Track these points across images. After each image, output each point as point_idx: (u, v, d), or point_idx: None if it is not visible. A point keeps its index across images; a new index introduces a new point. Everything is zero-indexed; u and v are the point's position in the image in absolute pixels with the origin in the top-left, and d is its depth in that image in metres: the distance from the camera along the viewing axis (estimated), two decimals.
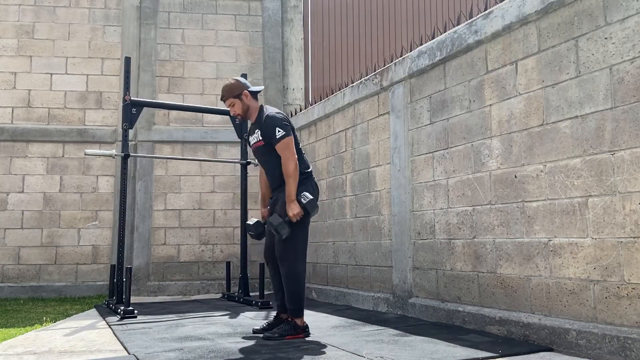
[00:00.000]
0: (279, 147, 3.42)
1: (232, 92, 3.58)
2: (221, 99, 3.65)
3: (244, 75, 5.94)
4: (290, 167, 3.38)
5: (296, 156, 3.43)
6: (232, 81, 3.62)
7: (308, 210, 3.38)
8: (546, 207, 3.09)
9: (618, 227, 2.69)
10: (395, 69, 4.56)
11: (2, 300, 6.07)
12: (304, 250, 3.50)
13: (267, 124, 3.47)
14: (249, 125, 3.86)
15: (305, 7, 7.83)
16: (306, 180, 3.53)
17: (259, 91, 3.68)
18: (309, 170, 3.60)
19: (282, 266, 3.40)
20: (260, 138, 3.54)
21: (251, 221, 3.74)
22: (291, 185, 3.37)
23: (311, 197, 3.42)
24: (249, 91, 3.60)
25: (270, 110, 3.57)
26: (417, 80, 4.33)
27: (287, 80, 7.46)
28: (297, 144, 3.56)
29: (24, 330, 3.98)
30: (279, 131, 3.41)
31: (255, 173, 6.89)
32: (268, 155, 3.53)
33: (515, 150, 3.34)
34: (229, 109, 3.65)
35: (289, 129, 3.46)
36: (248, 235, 3.80)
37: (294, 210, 3.34)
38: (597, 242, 2.79)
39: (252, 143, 3.69)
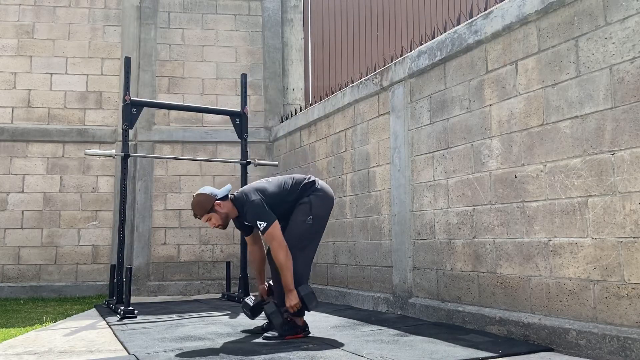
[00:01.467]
0: (265, 238, 3.34)
1: (205, 208, 3.44)
2: (195, 217, 3.53)
3: (244, 76, 5.95)
4: (280, 257, 3.27)
5: (285, 243, 3.29)
6: (199, 198, 3.45)
7: (306, 303, 3.31)
8: (546, 207, 3.09)
9: (618, 227, 2.69)
10: (395, 69, 4.56)
11: (2, 300, 6.07)
12: (311, 254, 3.48)
13: (248, 217, 3.38)
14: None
15: (305, 7, 7.83)
16: (310, 192, 3.48)
17: (227, 193, 3.53)
18: (310, 182, 3.54)
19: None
20: (249, 223, 3.48)
21: (250, 301, 3.65)
22: (287, 276, 3.28)
23: (310, 289, 3.34)
24: (219, 199, 3.47)
25: (243, 197, 3.42)
26: (417, 80, 4.33)
27: (287, 80, 7.46)
28: (293, 182, 3.51)
29: (24, 330, 3.98)
30: (260, 224, 3.29)
31: (255, 173, 6.90)
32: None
33: (515, 150, 3.34)
34: (207, 224, 3.51)
35: (269, 215, 3.31)
36: (245, 314, 3.74)
37: (292, 300, 3.29)
38: (597, 242, 2.79)
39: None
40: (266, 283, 3.74)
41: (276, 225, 3.31)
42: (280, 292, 3.42)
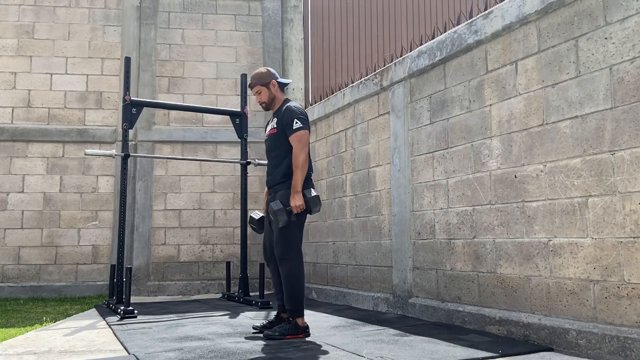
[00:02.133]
0: (293, 138, 3.43)
1: (261, 79, 3.65)
2: (249, 86, 3.72)
3: (244, 76, 5.95)
4: (300, 158, 3.39)
5: (307, 149, 3.45)
6: (262, 70, 3.70)
7: (310, 205, 3.38)
8: (546, 207, 3.09)
9: (618, 227, 2.69)
10: (395, 69, 4.56)
11: (2, 300, 6.07)
12: (299, 240, 3.51)
13: (286, 114, 3.52)
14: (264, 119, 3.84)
15: (305, 7, 7.83)
16: (307, 184, 3.52)
17: (287, 84, 3.75)
18: (311, 173, 3.61)
19: (282, 267, 3.40)
20: (275, 126, 3.57)
21: (256, 215, 3.74)
22: (298, 176, 3.38)
23: (316, 193, 3.43)
24: (277, 82, 3.67)
25: (293, 103, 3.62)
26: (417, 80, 4.33)
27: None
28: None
29: (24, 330, 3.98)
30: (296, 122, 3.44)
31: (255, 173, 6.90)
32: (278, 146, 3.54)
33: (515, 150, 3.34)
34: (254, 95, 3.71)
35: (307, 124, 3.50)
36: (249, 228, 3.79)
37: (297, 201, 3.35)
38: (597, 242, 2.79)
39: (266, 131, 3.72)
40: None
41: (307, 134, 3.46)
42: (289, 297, 3.41)
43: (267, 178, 3.68)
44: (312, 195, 3.40)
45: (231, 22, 7.35)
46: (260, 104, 3.71)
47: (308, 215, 3.54)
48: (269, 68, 3.73)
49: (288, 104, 3.58)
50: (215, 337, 3.49)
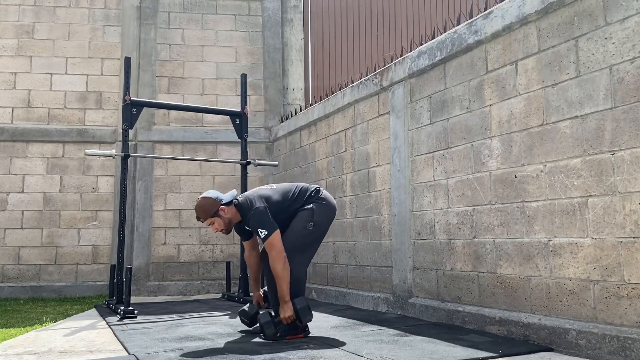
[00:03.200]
0: (265, 246, 3.32)
1: (208, 212, 3.44)
2: (198, 220, 3.52)
3: (244, 76, 5.95)
4: (278, 267, 3.25)
5: (284, 254, 3.27)
6: (203, 202, 3.45)
7: (300, 316, 3.29)
8: (546, 207, 3.09)
9: (618, 227, 2.69)
10: (395, 69, 4.56)
11: (2, 300, 6.07)
12: (308, 259, 3.48)
13: (250, 224, 3.39)
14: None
15: (305, 7, 7.83)
16: (314, 200, 3.49)
17: (232, 199, 3.54)
18: (314, 191, 3.56)
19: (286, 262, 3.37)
20: (250, 230, 3.48)
21: (248, 308, 3.67)
22: (283, 287, 3.26)
23: (306, 303, 3.32)
24: (223, 204, 3.47)
25: (248, 203, 3.42)
26: (417, 80, 4.33)
27: (287, 80, 7.46)
28: (298, 190, 3.52)
29: (24, 330, 3.98)
30: (261, 232, 3.28)
31: (255, 173, 6.90)
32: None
33: (515, 150, 3.34)
34: (209, 227, 3.52)
35: (271, 224, 3.30)
36: (242, 321, 3.75)
37: (286, 312, 3.27)
38: (597, 242, 2.79)
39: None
40: (261, 290, 3.73)
41: (277, 235, 3.29)
42: (275, 299, 3.42)
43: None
44: (302, 305, 3.29)
45: (231, 22, 7.35)
46: (220, 232, 3.54)
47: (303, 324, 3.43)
48: (208, 196, 3.47)
49: (249, 214, 3.37)
50: (215, 337, 3.49)
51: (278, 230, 3.31)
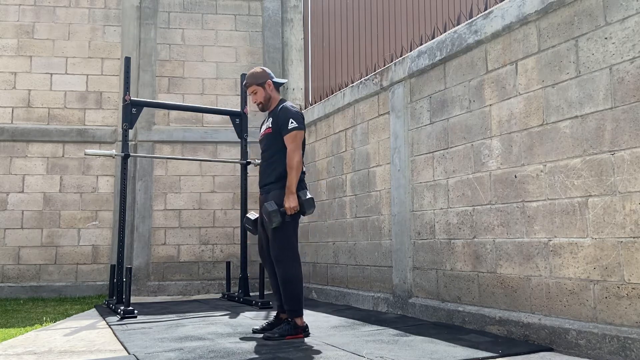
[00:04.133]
0: (287, 138, 3.43)
1: (257, 79, 3.64)
2: (244, 85, 3.71)
3: (244, 76, 5.95)
4: (295, 158, 3.38)
5: (301, 150, 3.44)
6: (257, 69, 3.68)
7: (304, 207, 3.37)
8: (546, 207, 3.09)
9: (618, 227, 2.69)
10: (395, 69, 4.56)
11: (2, 300, 6.07)
12: (295, 244, 3.50)
13: (282, 114, 3.51)
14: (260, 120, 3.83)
15: (305, 7, 7.83)
16: (300, 185, 3.51)
17: (282, 83, 3.73)
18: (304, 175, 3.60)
19: (279, 268, 3.39)
20: (270, 125, 3.57)
21: (252, 215, 3.73)
22: (293, 177, 3.37)
23: (310, 196, 3.42)
24: (272, 82, 3.65)
25: (289, 103, 3.61)
26: (417, 80, 4.33)
27: (287, 80, 7.46)
28: (303, 145, 3.59)
29: (24, 330, 3.98)
30: (291, 122, 3.43)
31: (255, 173, 6.89)
32: (272, 146, 3.53)
33: (515, 150, 3.34)
34: (250, 96, 3.70)
35: (303, 125, 3.49)
36: (246, 229, 3.78)
37: (291, 202, 3.34)
38: (597, 242, 2.79)
39: (261, 131, 3.72)
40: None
41: (302, 134, 3.45)
42: (280, 300, 3.44)
43: (260, 177, 3.66)
44: (307, 197, 3.39)
45: (231, 22, 7.35)
46: (257, 104, 3.69)
47: (306, 215, 3.53)
48: (264, 68, 3.72)
49: (284, 104, 3.58)
50: (215, 337, 3.49)
51: (303, 132, 3.48)
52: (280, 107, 3.57)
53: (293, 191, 3.37)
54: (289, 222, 3.41)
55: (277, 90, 3.71)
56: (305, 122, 6.08)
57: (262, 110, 3.71)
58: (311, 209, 3.42)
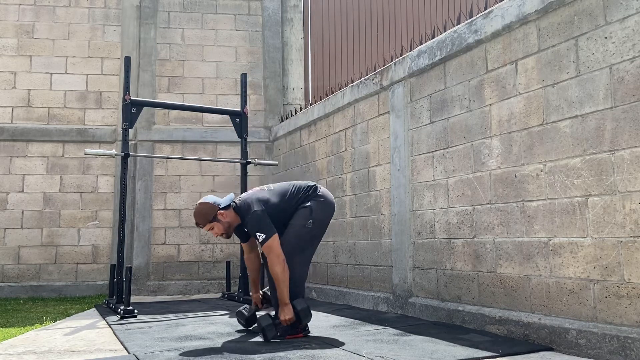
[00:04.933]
0: (263, 250, 3.31)
1: (207, 217, 3.44)
2: (197, 226, 3.51)
3: (244, 75, 5.95)
4: (277, 270, 3.25)
5: (283, 257, 3.28)
6: (201, 207, 3.45)
7: (301, 318, 3.30)
8: (546, 207, 3.09)
9: (618, 227, 2.69)
10: (395, 69, 4.56)
11: (2, 300, 6.07)
12: (309, 258, 3.47)
13: (249, 227, 3.39)
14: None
15: (305, 7, 7.83)
16: (311, 197, 3.47)
17: (230, 202, 3.53)
18: (312, 188, 3.54)
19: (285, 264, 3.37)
20: (249, 232, 3.48)
21: (245, 310, 3.65)
22: (282, 289, 3.27)
23: (306, 304, 3.32)
24: (222, 208, 3.47)
25: (246, 206, 3.40)
26: (417, 80, 4.33)
27: (287, 80, 7.46)
28: (295, 190, 3.51)
29: (24, 330, 3.98)
30: (259, 236, 3.28)
31: (255, 173, 6.90)
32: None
33: (515, 150, 3.34)
34: (210, 232, 3.54)
35: (270, 228, 3.29)
36: (240, 323, 3.74)
37: (286, 314, 3.27)
38: (597, 242, 2.79)
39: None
40: (260, 292, 3.72)
41: (275, 238, 3.29)
42: (277, 300, 3.42)
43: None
44: (303, 307, 3.29)
45: (231, 21, 7.35)
46: (220, 236, 3.54)
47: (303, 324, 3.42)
48: (205, 201, 3.47)
49: (247, 217, 3.37)
50: (215, 336, 3.49)
51: (276, 234, 3.31)
52: (246, 220, 3.40)
53: (286, 302, 3.28)
54: (309, 229, 3.38)
55: (229, 208, 3.49)
56: (305, 122, 6.10)
57: (228, 237, 3.57)
58: (307, 318, 3.33)
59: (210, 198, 3.51)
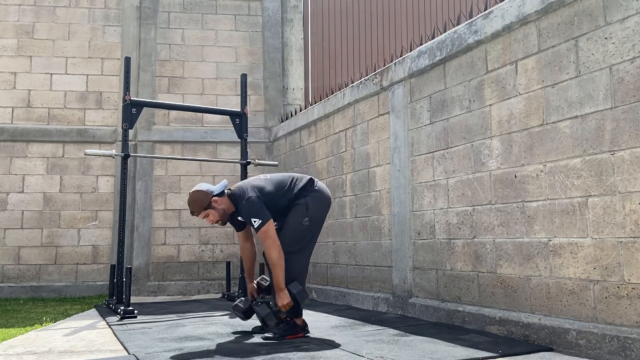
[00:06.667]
0: (259, 236, 3.30)
1: (202, 205, 3.41)
2: (192, 214, 3.50)
3: (244, 76, 5.95)
4: (273, 255, 3.24)
5: (278, 242, 3.27)
6: (195, 195, 3.43)
7: (298, 300, 3.28)
8: (546, 207, 3.09)
9: (618, 227, 2.69)
10: (395, 69, 4.56)
11: (2, 300, 6.07)
12: (308, 257, 3.46)
13: (243, 214, 3.38)
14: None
15: (305, 7, 7.83)
16: (307, 192, 3.46)
17: (224, 189, 3.52)
18: (308, 182, 3.52)
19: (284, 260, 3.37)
20: (243, 220, 3.49)
21: (241, 303, 3.63)
22: (278, 274, 3.25)
23: (301, 287, 3.31)
24: (216, 196, 3.45)
25: (240, 193, 3.40)
26: (417, 80, 4.33)
27: (287, 80, 7.46)
28: (291, 182, 3.50)
29: (24, 330, 3.98)
30: (255, 222, 3.25)
31: (255, 173, 6.89)
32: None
33: (515, 150, 3.34)
34: (206, 222, 3.55)
35: (265, 213, 3.28)
36: (237, 316, 3.73)
37: (283, 300, 3.26)
38: (597, 242, 2.79)
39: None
40: (255, 282, 3.69)
41: (270, 224, 3.29)
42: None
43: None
44: (298, 290, 3.28)
45: (231, 22, 7.35)
46: (216, 224, 3.53)
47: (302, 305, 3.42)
48: (199, 189, 3.45)
49: (242, 204, 3.35)
50: (215, 337, 3.49)
51: (271, 220, 3.30)
52: (239, 206, 3.39)
53: (282, 287, 3.26)
54: (306, 227, 3.37)
55: (224, 195, 3.48)
56: (305, 122, 6.11)
57: (224, 224, 3.56)
58: (305, 301, 3.32)
59: (203, 185, 3.50)
